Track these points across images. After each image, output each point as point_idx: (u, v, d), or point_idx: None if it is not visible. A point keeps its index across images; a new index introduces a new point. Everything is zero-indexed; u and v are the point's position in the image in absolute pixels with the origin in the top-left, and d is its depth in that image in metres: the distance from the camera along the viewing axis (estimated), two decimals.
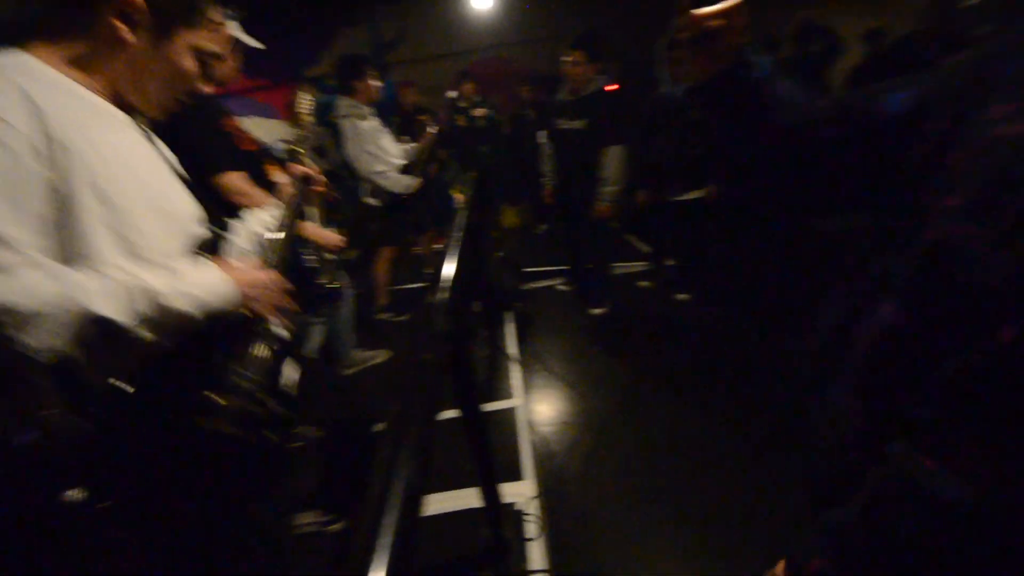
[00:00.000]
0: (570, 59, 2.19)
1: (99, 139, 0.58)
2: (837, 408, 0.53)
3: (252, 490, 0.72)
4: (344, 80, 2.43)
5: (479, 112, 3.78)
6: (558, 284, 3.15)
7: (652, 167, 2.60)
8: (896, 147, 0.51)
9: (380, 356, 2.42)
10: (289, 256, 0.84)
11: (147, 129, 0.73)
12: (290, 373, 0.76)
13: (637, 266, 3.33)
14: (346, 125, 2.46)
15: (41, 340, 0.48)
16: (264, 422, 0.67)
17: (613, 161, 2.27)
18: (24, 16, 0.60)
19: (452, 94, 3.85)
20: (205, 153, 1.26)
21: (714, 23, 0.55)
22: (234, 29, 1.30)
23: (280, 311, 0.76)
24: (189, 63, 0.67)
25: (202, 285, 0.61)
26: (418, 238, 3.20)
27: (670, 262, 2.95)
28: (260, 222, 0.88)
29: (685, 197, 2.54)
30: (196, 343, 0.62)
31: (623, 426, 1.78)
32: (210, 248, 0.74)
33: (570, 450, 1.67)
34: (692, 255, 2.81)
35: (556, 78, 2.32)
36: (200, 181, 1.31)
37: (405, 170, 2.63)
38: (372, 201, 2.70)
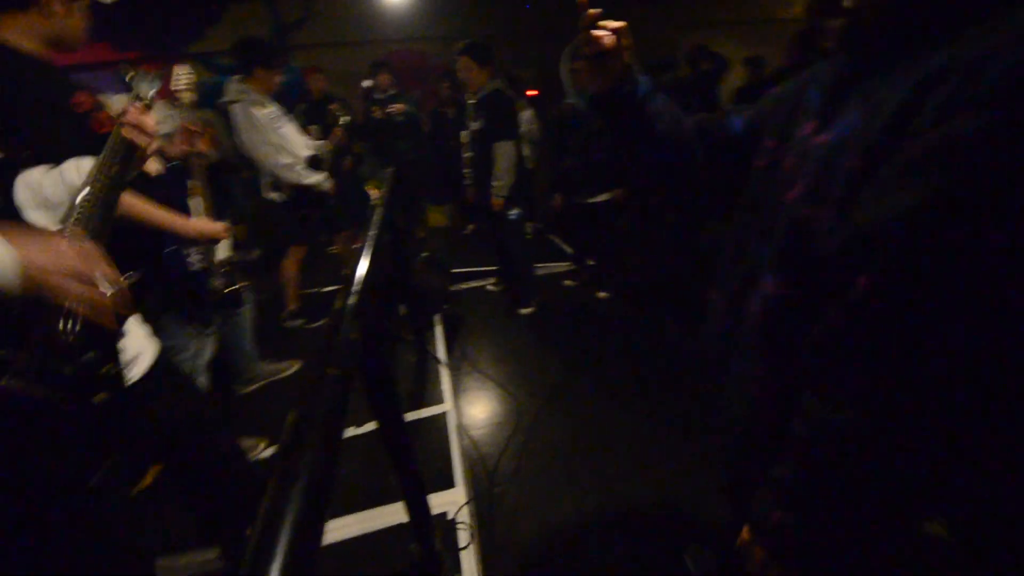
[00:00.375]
0: (461, 65, 2.27)
1: None
2: (743, 376, 0.58)
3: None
4: (245, 63, 2.15)
5: (397, 107, 3.60)
6: (488, 284, 3.14)
7: (564, 172, 2.77)
8: (739, 158, 0.67)
9: (289, 368, 2.18)
10: (106, 221, 0.67)
11: None
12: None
13: (562, 266, 3.45)
14: (236, 111, 2.17)
15: None
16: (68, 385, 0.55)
17: (500, 157, 2.34)
18: None
19: (367, 83, 3.61)
20: (46, 138, 0.98)
21: (607, 42, 0.66)
22: None
23: (94, 291, 0.56)
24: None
25: None
26: (332, 237, 2.95)
27: (591, 262, 3.10)
28: (80, 172, 0.70)
29: (595, 200, 2.72)
30: None
31: (553, 422, 1.82)
32: None
33: (501, 451, 1.66)
34: (608, 254, 3.00)
35: None
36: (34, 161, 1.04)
37: (314, 163, 2.40)
38: (275, 196, 2.42)
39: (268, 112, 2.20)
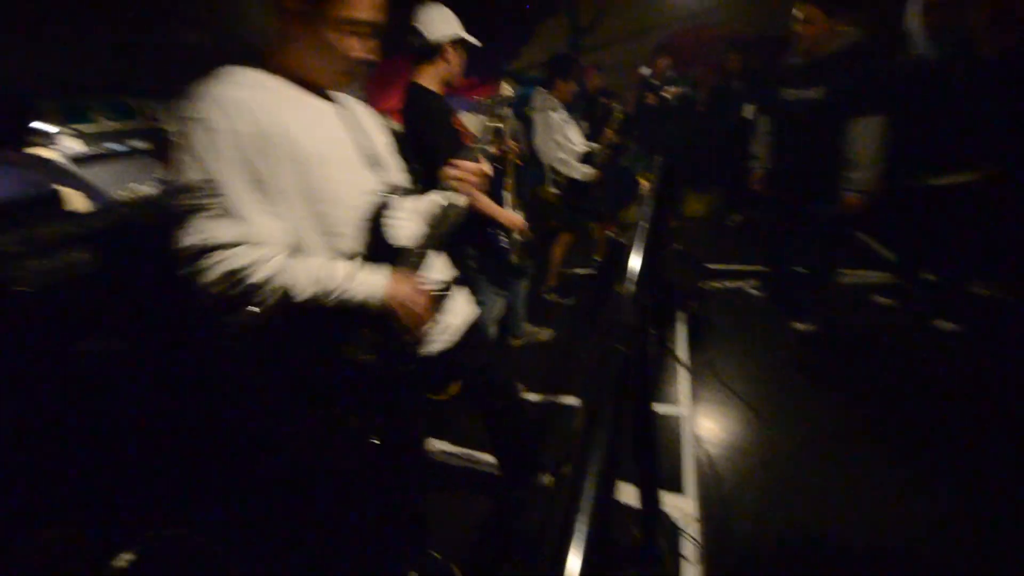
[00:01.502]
0: (802, 15, 1.75)
1: (289, 122, 0.75)
2: None
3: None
4: (550, 76, 2.59)
5: (672, 90, 3.45)
6: (749, 287, 2.70)
7: (896, 145, 1.89)
8: None
9: (544, 334, 2.58)
10: (445, 232, 0.94)
11: (346, 104, 0.90)
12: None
13: (873, 276, 2.55)
14: (538, 117, 2.62)
15: (263, 300, 0.72)
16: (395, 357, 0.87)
17: (864, 138, 1.73)
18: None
19: (645, 71, 3.61)
20: (439, 148, 1.53)
21: None
22: (458, 29, 1.50)
23: (411, 328, 0.85)
24: (338, 36, 0.75)
25: (365, 285, 0.78)
26: (593, 225, 3.22)
27: (927, 275, 2.15)
28: (441, 196, 1.00)
29: (943, 182, 1.80)
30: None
31: (812, 471, 1.43)
32: (383, 210, 0.87)
33: (741, 480, 1.44)
34: (963, 267, 1.97)
35: (774, 40, 1.86)
36: (432, 171, 1.62)
37: (586, 159, 2.66)
38: (552, 189, 2.84)
39: (561, 116, 2.58)
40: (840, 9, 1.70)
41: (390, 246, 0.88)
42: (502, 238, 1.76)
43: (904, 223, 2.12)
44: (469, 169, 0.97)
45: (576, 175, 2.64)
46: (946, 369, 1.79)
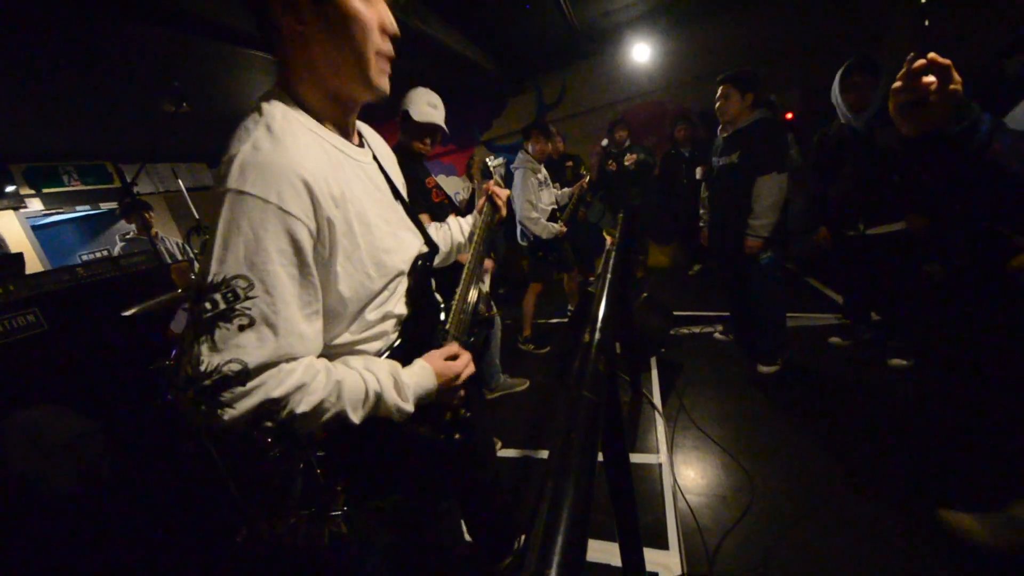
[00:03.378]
0: (721, 93, 2.09)
1: (346, 190, 0.62)
2: None
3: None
4: (527, 134, 2.84)
5: (631, 157, 3.82)
6: (716, 332, 2.81)
7: (835, 200, 2.17)
8: None
9: (522, 385, 2.55)
10: (488, 244, 0.98)
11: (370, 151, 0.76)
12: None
13: (826, 318, 2.73)
14: (518, 174, 2.82)
15: (302, 430, 0.57)
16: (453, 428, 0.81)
17: (765, 191, 2.03)
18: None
19: (604, 142, 4.00)
20: (413, 199, 1.64)
21: (931, 87, 0.59)
22: (438, 119, 1.68)
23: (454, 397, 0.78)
24: (361, 7, 0.60)
25: (414, 387, 0.67)
26: (561, 276, 3.35)
27: (875, 316, 2.33)
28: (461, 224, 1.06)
29: (880, 231, 2.04)
30: None
31: (794, 515, 1.42)
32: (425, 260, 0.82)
33: (725, 531, 1.41)
34: (904, 307, 2.16)
35: (713, 114, 2.21)
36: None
37: (552, 217, 2.84)
38: (522, 243, 2.97)
39: (538, 177, 2.79)
40: (749, 88, 2.04)
41: (434, 305, 0.83)
42: (484, 281, 1.81)
43: (847, 269, 2.33)
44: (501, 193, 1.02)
45: (544, 234, 2.79)
46: (904, 403, 1.89)
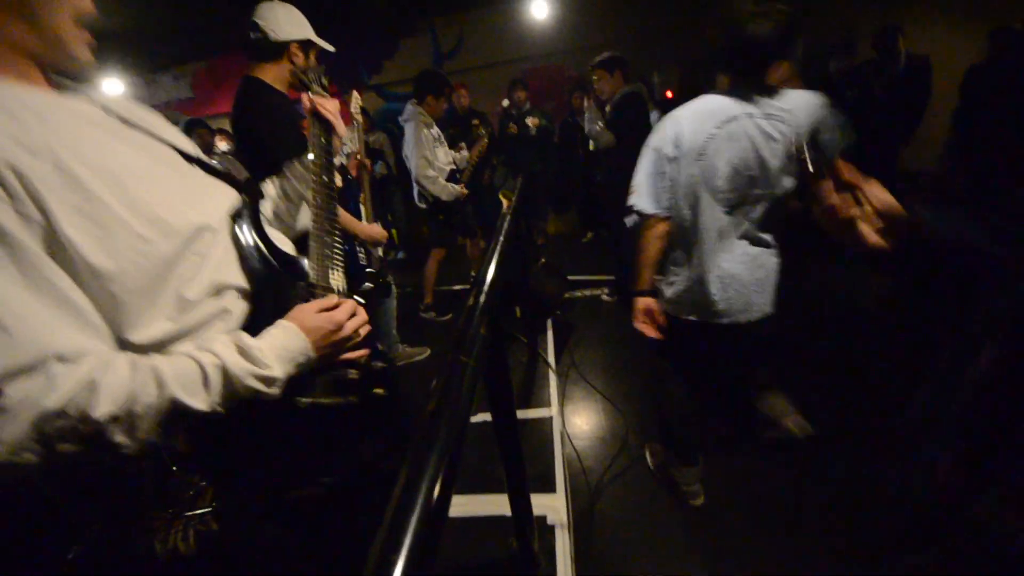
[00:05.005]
0: (595, 77, 2.40)
1: (52, 139, 0.46)
2: (928, 462, 0.47)
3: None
4: (421, 90, 2.57)
5: (533, 121, 3.80)
6: (604, 294, 3.08)
7: None
8: None
9: (423, 353, 2.49)
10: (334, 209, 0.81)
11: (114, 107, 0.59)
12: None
13: None
14: (409, 128, 2.57)
15: (134, 438, 0.46)
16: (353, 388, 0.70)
17: (602, 136, 2.36)
18: None
19: (505, 103, 3.91)
20: (279, 149, 1.36)
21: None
22: (307, 32, 1.40)
23: (360, 345, 0.69)
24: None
25: (273, 349, 0.56)
26: (465, 241, 3.28)
27: None
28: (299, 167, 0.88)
29: None
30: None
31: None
32: (247, 217, 0.68)
33: (605, 468, 1.61)
34: None
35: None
36: (266, 167, 1.44)
37: (452, 177, 2.71)
38: (421, 204, 2.80)
39: (431, 132, 2.59)
40: (616, 67, 2.35)
41: (280, 263, 0.68)
42: (360, 254, 1.64)
43: None
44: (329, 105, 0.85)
45: (443, 195, 2.67)
46: None
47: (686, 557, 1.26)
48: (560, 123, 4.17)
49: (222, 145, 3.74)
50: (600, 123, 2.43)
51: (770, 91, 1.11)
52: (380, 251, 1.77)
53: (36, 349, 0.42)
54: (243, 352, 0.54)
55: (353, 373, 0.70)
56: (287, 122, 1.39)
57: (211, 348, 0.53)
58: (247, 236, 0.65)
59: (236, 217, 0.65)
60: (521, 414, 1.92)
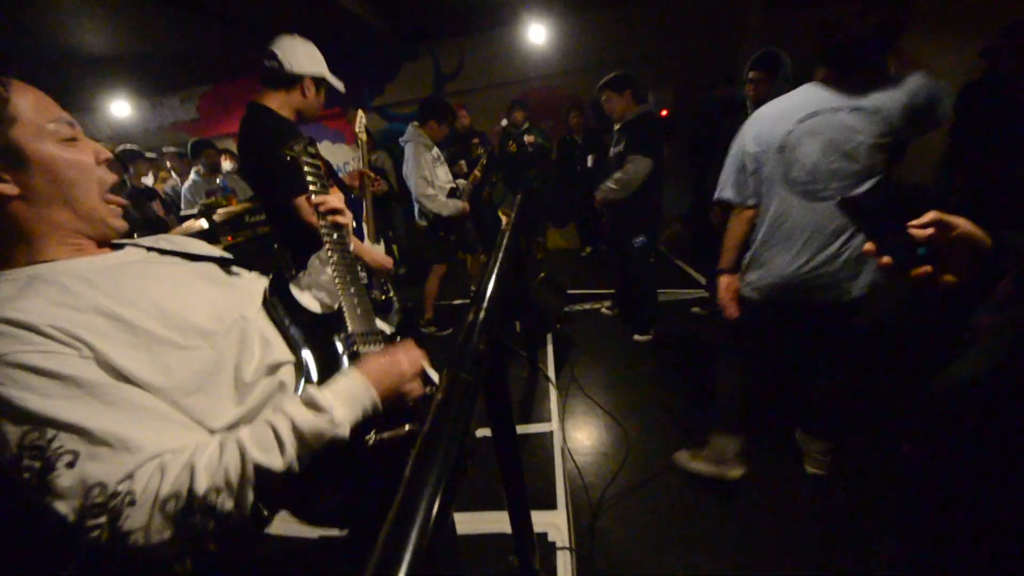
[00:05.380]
0: (604, 98, 2.37)
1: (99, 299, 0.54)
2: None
3: None
4: (425, 115, 2.64)
5: (530, 138, 3.89)
6: (603, 308, 3.09)
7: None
8: None
9: None
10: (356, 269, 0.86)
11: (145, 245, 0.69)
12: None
13: (688, 293, 3.19)
14: (409, 149, 2.63)
15: (239, 505, 0.51)
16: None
17: (634, 166, 2.31)
18: None
19: (504, 122, 4.01)
20: (285, 179, 1.40)
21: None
22: (323, 69, 1.46)
23: (419, 384, 0.70)
24: (71, 154, 0.57)
25: (338, 395, 0.60)
26: (466, 257, 3.31)
27: None
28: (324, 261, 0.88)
29: None
30: None
31: (662, 462, 1.67)
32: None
33: (606, 484, 1.59)
34: None
35: (602, 105, 2.42)
36: (283, 204, 1.47)
37: (452, 194, 2.76)
38: (422, 222, 2.84)
39: (431, 154, 2.65)
40: (625, 87, 2.32)
41: (316, 323, 0.73)
42: (362, 273, 1.67)
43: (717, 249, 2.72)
44: (331, 203, 0.84)
45: (444, 211, 2.71)
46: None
47: (688, 571, 1.25)
48: (558, 141, 4.27)
49: (227, 165, 3.82)
50: (612, 183, 2.37)
51: (865, 84, 1.17)
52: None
53: (152, 449, 0.50)
54: (309, 402, 0.59)
55: (412, 402, 0.72)
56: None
57: (282, 408, 0.58)
58: (279, 312, 0.71)
59: (267, 297, 0.72)
60: (522, 429, 1.91)
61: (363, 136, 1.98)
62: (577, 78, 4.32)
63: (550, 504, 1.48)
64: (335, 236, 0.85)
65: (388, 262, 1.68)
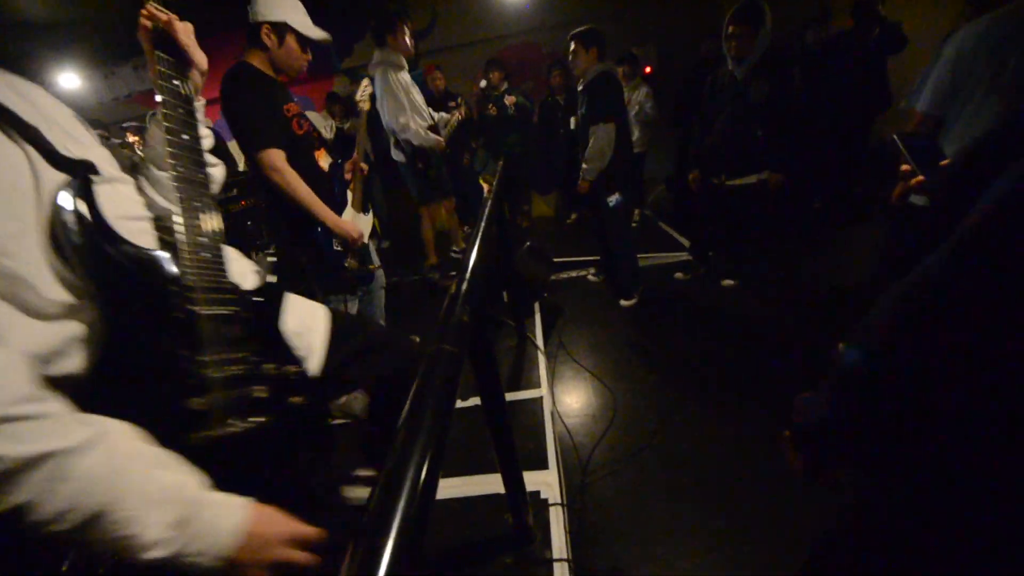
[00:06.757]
0: (571, 48, 2.24)
1: None
2: None
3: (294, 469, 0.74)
4: (378, 36, 2.45)
5: (510, 100, 3.73)
6: (589, 274, 3.11)
7: (706, 149, 2.45)
8: None
9: (416, 337, 2.50)
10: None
11: None
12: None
13: (672, 257, 3.22)
14: (377, 77, 2.44)
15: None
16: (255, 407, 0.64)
17: (593, 138, 2.25)
18: None
19: (482, 83, 3.83)
20: (257, 128, 1.35)
21: None
22: (285, 18, 1.35)
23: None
24: None
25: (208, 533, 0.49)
26: (441, 201, 3.22)
27: (711, 253, 2.83)
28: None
29: (742, 182, 2.38)
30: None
31: (649, 421, 1.75)
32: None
33: (595, 443, 1.66)
34: (740, 240, 2.67)
35: None
36: (245, 152, 1.43)
37: (432, 129, 2.65)
38: (397, 156, 2.73)
39: (403, 76, 2.44)
40: (592, 43, 2.20)
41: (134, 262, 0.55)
42: (335, 242, 1.62)
43: (698, 211, 2.72)
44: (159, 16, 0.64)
45: (416, 139, 2.56)
46: (734, 316, 2.39)
47: (674, 523, 1.33)
48: (540, 103, 4.10)
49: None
50: (586, 164, 2.32)
51: None
52: (365, 239, 1.75)
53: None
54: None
55: (261, 391, 0.65)
56: (268, 107, 1.38)
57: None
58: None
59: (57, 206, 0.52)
60: (513, 396, 1.96)
61: (366, 105, 1.89)
62: (558, 34, 4.11)
63: (542, 465, 1.55)
64: (173, 101, 0.60)
65: (354, 237, 1.60)
